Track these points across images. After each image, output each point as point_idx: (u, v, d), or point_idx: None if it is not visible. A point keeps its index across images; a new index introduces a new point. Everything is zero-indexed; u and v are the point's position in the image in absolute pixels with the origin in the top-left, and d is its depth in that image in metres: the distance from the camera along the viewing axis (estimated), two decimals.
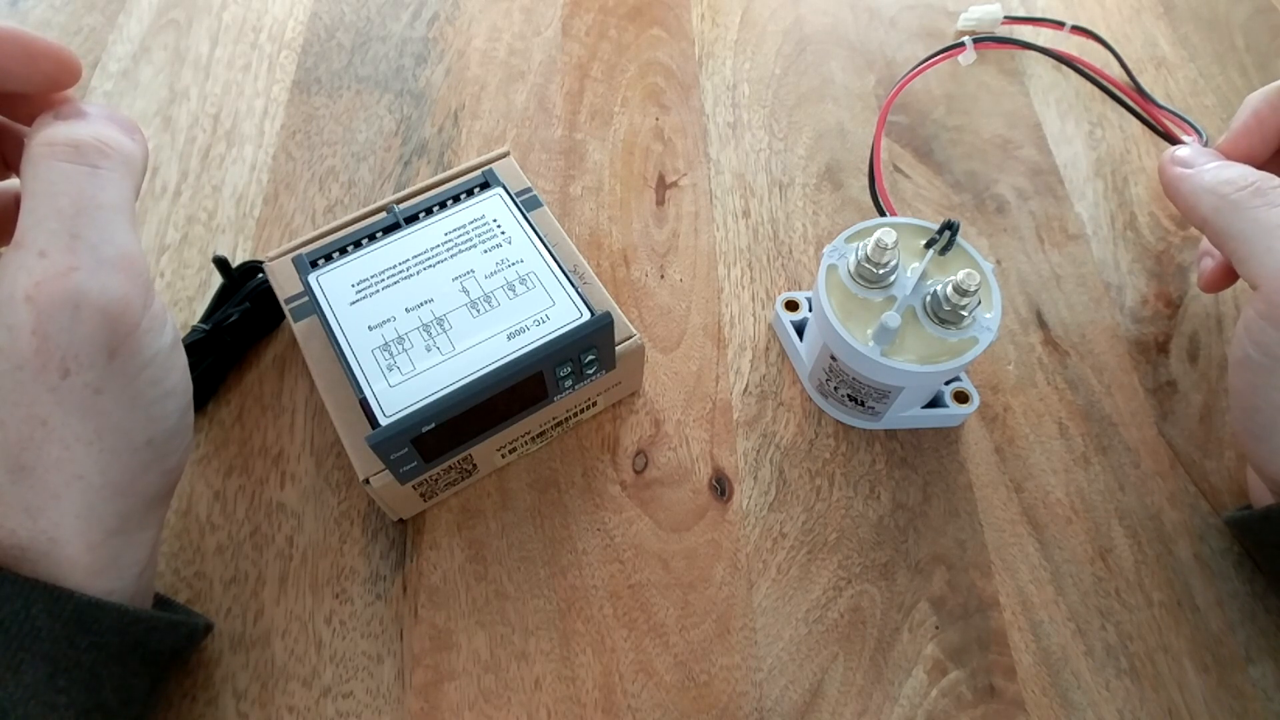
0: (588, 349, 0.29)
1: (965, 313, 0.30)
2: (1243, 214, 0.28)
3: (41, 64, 0.24)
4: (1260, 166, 0.31)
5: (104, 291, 0.22)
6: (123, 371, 0.22)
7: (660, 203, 0.40)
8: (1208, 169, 0.30)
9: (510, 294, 0.30)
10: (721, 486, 0.33)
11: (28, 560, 0.22)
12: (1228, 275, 0.34)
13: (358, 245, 0.31)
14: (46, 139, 0.23)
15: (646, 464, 0.34)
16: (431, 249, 0.31)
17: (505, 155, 0.36)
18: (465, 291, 0.30)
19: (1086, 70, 0.42)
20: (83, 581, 0.23)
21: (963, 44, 0.41)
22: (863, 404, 0.33)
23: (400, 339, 0.29)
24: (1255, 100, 0.32)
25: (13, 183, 0.27)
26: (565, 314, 0.29)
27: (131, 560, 0.24)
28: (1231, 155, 0.32)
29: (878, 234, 0.30)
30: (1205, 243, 0.37)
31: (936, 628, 0.31)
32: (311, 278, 0.30)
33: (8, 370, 0.21)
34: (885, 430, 0.35)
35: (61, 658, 0.22)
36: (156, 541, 0.26)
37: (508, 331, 0.29)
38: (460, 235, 0.31)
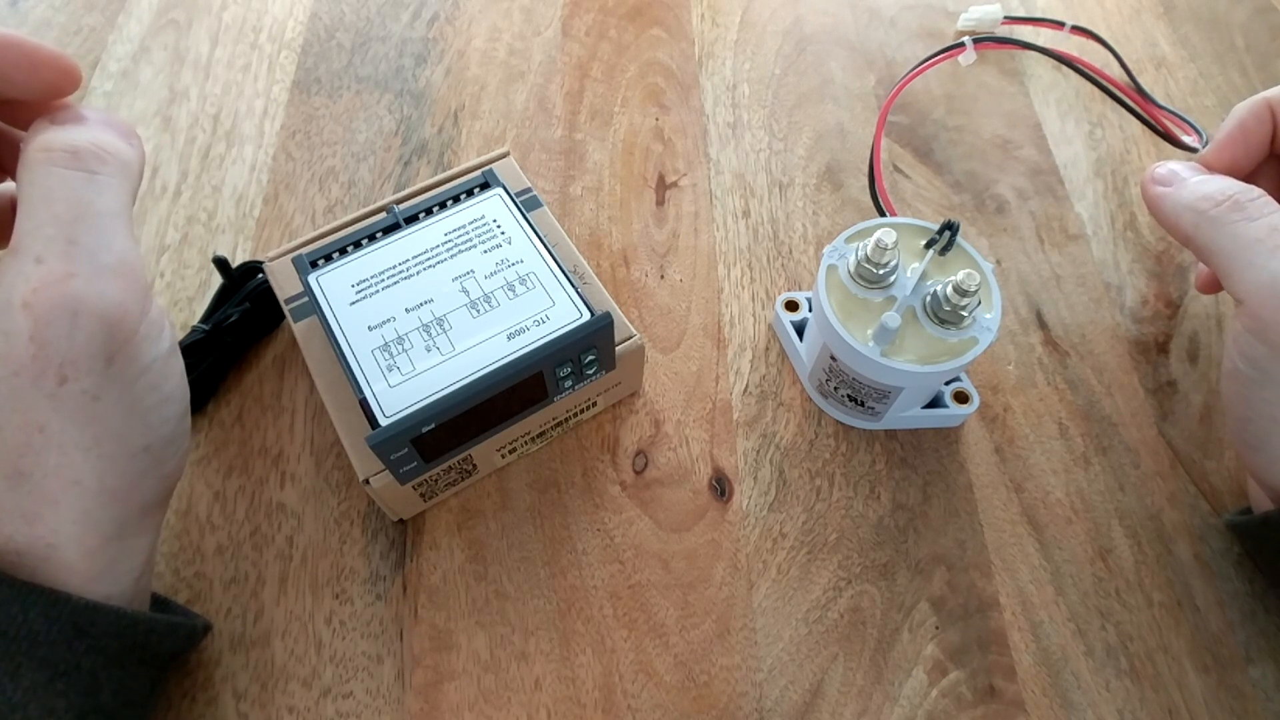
0: (588, 349, 0.29)
1: (965, 313, 0.30)
2: (1222, 230, 0.28)
3: (43, 72, 0.23)
4: (1245, 177, 0.30)
5: (102, 298, 0.22)
6: (120, 378, 0.22)
7: (660, 203, 0.40)
8: (1187, 185, 0.30)
9: (510, 294, 0.30)
10: (721, 487, 0.33)
11: (25, 566, 0.22)
12: None
13: (358, 245, 0.31)
14: (43, 144, 0.23)
15: (646, 464, 0.34)
16: (431, 249, 0.31)
17: (505, 155, 0.36)
18: (465, 292, 0.30)
19: (1086, 70, 0.42)
20: (80, 587, 0.23)
21: (963, 44, 0.41)
22: (863, 404, 0.33)
23: (400, 339, 0.29)
24: (1241, 111, 0.31)
25: (9, 186, 0.27)
26: (565, 314, 0.29)
27: (129, 565, 0.24)
28: (1215, 166, 0.31)
29: (878, 234, 0.30)
30: None
31: (936, 628, 0.31)
32: (311, 278, 0.30)
33: (5, 377, 0.21)
34: (885, 430, 0.35)
35: (60, 662, 0.22)
36: (154, 546, 0.26)
37: (508, 332, 0.29)
38: (460, 235, 0.31)
